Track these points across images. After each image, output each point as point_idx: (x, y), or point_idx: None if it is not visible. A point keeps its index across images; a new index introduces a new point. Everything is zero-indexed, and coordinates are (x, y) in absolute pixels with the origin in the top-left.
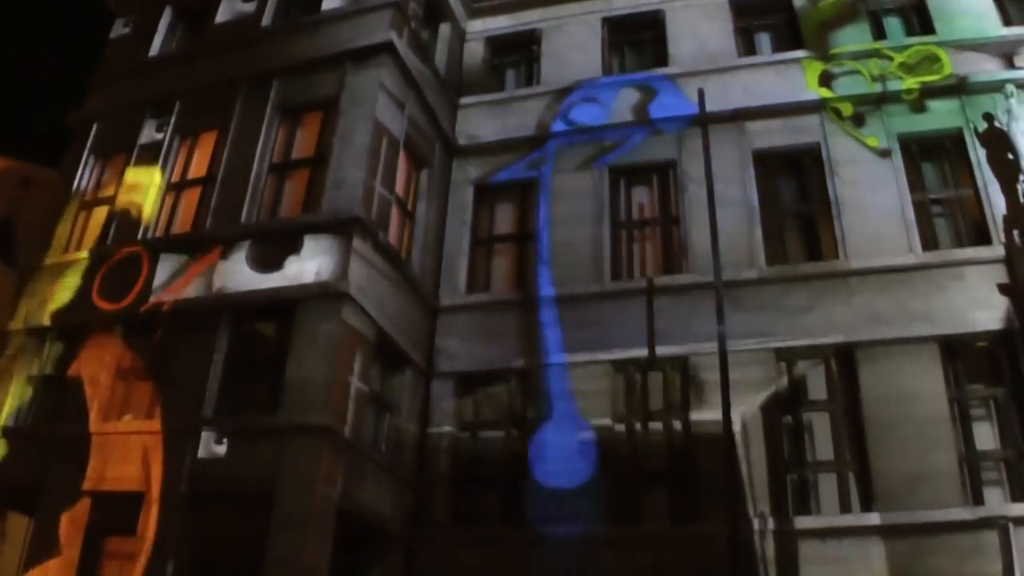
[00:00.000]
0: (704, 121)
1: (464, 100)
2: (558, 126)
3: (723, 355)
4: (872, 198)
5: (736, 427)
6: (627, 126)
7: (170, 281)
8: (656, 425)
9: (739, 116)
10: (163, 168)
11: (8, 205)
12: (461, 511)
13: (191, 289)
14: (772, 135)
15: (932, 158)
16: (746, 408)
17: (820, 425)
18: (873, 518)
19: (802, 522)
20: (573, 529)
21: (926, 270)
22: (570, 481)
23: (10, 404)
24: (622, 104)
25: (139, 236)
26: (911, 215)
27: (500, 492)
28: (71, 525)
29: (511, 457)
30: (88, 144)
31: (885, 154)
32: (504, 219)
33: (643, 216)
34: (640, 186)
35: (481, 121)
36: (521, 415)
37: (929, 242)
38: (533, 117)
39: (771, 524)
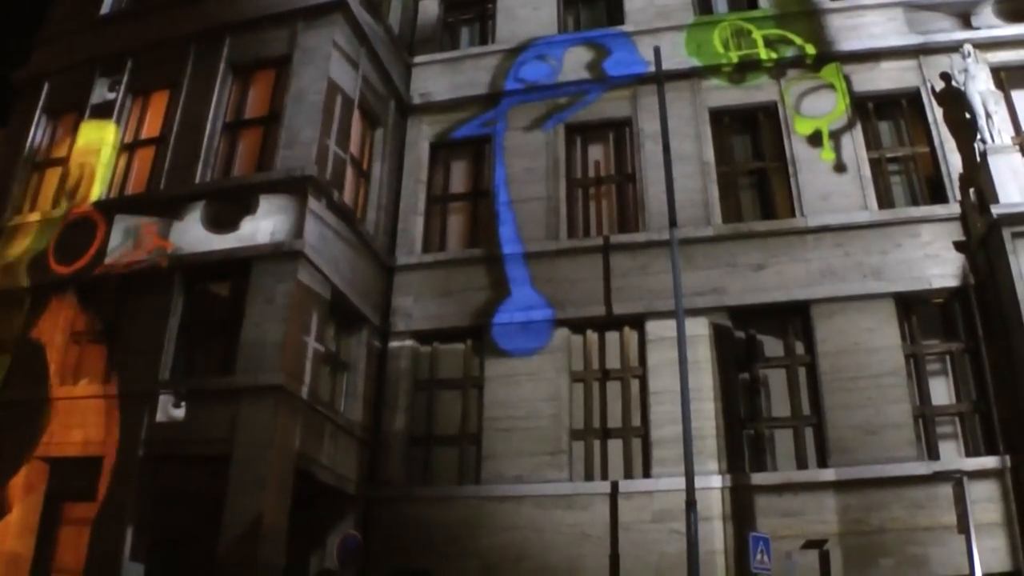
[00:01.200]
0: (659, 78)
1: (418, 59)
2: (512, 84)
3: (679, 312)
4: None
5: (692, 384)
6: (581, 83)
7: (124, 242)
8: (613, 383)
9: (694, 74)
10: (116, 128)
11: None
12: (417, 469)
13: (144, 250)
14: (727, 93)
15: (888, 117)
16: (702, 365)
17: (776, 381)
18: (828, 473)
19: (758, 478)
20: (529, 486)
21: (882, 227)
22: (526, 438)
23: None
24: (576, 62)
25: (93, 197)
26: (867, 172)
27: (456, 450)
28: (29, 491)
29: (467, 415)
30: (38, 103)
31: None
32: (459, 177)
33: (599, 174)
34: (596, 144)
35: (435, 79)
36: (477, 373)
37: (885, 200)
38: (487, 75)
39: (728, 480)
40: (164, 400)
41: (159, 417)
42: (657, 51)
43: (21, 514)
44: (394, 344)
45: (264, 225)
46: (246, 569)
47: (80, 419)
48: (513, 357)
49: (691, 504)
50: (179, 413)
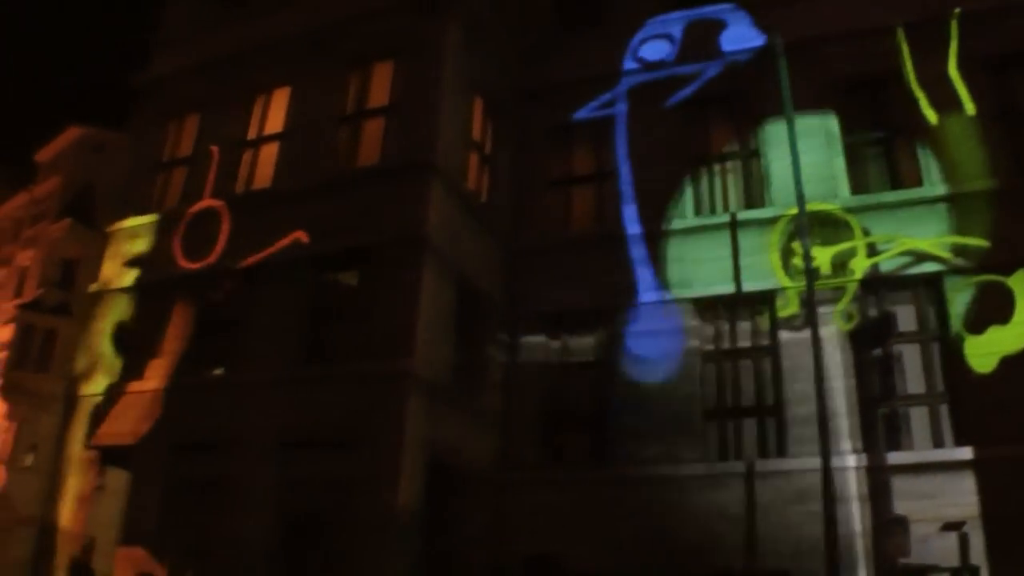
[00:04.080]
0: (778, 50)
1: (535, 42)
2: (630, 64)
3: (811, 289)
4: None
5: (826, 361)
6: (699, 60)
7: (249, 236)
8: (745, 362)
9: (814, 42)
10: (238, 125)
11: (85, 172)
12: (549, 452)
13: (271, 243)
14: (849, 60)
15: None
16: (835, 342)
17: (910, 357)
18: (965, 452)
19: (894, 457)
20: (662, 467)
21: (1015, 193)
22: (658, 419)
23: (102, 363)
24: (693, 38)
25: (219, 193)
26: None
27: (588, 432)
28: (165, 476)
29: (597, 397)
30: (159, 106)
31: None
32: (581, 159)
33: (722, 150)
34: (717, 120)
35: (552, 61)
36: (606, 354)
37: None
38: (605, 56)
39: (863, 460)
40: (296, 387)
41: (291, 404)
42: (773, 23)
43: (157, 497)
44: (522, 327)
45: (389, 214)
46: (379, 555)
47: (208, 407)
48: (644, 338)
49: (828, 484)
50: (308, 400)
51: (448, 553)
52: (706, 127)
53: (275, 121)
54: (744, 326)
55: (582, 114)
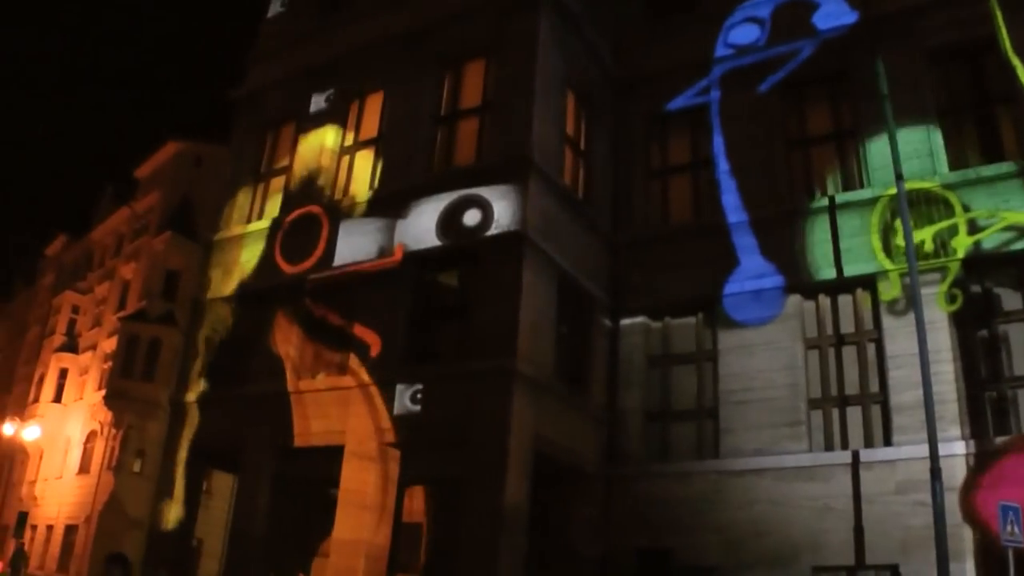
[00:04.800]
0: (871, 24)
1: (625, 33)
2: (722, 50)
3: (912, 270)
4: None
5: (931, 345)
6: (792, 41)
7: (352, 241)
8: (849, 348)
9: (907, 14)
10: (335, 132)
11: (184, 185)
12: (655, 446)
13: (373, 247)
14: (944, 30)
15: None
16: (939, 325)
17: (1017, 338)
18: None
19: (1003, 443)
20: (767, 458)
21: None
22: (763, 409)
23: (207, 371)
24: (784, 19)
25: (318, 200)
26: None
27: (693, 424)
28: (274, 479)
29: (702, 389)
30: (257, 118)
31: None
32: (677, 149)
33: (818, 132)
34: (812, 101)
35: (645, 52)
36: (710, 346)
37: None
38: (696, 43)
39: (971, 446)
40: (401, 389)
41: (396, 406)
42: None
43: (267, 500)
44: (625, 321)
45: (487, 213)
46: (488, 552)
47: (319, 410)
48: (746, 327)
49: (936, 473)
50: (415, 400)
51: (558, 548)
52: (801, 109)
53: (370, 126)
54: (847, 312)
55: (676, 103)
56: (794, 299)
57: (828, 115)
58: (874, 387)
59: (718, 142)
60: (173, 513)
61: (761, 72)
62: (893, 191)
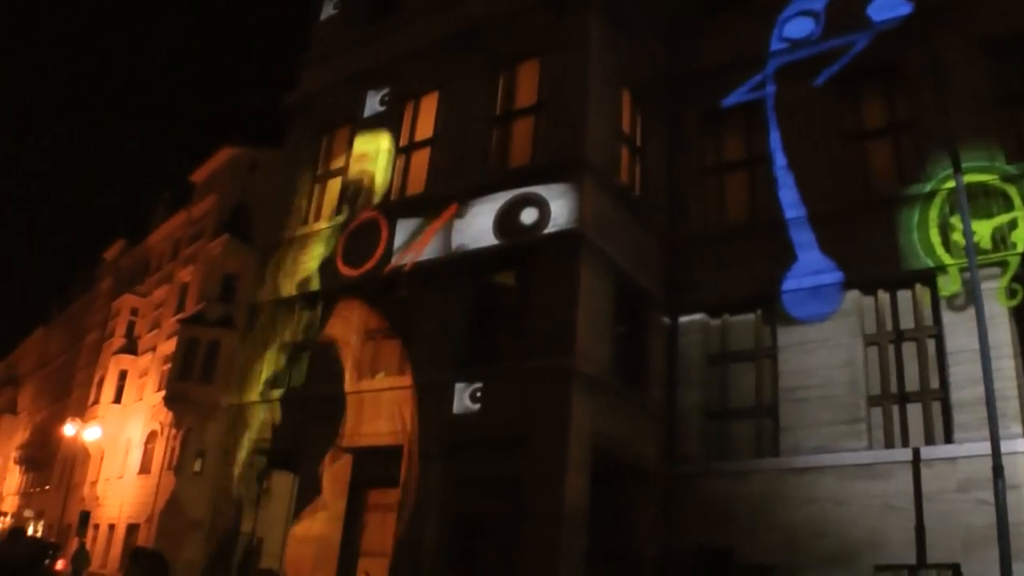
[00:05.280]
0: (926, 15)
1: (678, 29)
2: (776, 44)
3: (972, 265)
4: None
5: (991, 340)
6: (846, 34)
7: (409, 242)
8: (908, 344)
9: (961, 3)
10: (389, 134)
11: (240, 189)
12: (714, 444)
13: (430, 248)
14: (999, 19)
15: None
16: (999, 320)
17: None
18: None
19: None
20: (826, 456)
21: None
22: (822, 406)
23: (266, 372)
24: (838, 12)
25: (374, 202)
26: None
27: (752, 423)
28: (333, 480)
29: (761, 387)
30: (312, 121)
31: None
32: (732, 145)
33: (875, 125)
34: (867, 94)
35: (698, 48)
36: (769, 343)
37: None
38: (750, 38)
39: None
40: (459, 389)
41: (455, 406)
42: None
43: (327, 500)
44: (683, 319)
45: (544, 212)
46: (548, 551)
47: (378, 411)
48: (805, 324)
49: (998, 471)
50: (473, 400)
51: (618, 547)
52: (857, 102)
53: (425, 127)
54: (906, 307)
55: (731, 99)
56: (853, 295)
57: (884, 108)
58: (934, 383)
59: (774, 137)
60: (233, 513)
61: (816, 66)
62: (951, 185)
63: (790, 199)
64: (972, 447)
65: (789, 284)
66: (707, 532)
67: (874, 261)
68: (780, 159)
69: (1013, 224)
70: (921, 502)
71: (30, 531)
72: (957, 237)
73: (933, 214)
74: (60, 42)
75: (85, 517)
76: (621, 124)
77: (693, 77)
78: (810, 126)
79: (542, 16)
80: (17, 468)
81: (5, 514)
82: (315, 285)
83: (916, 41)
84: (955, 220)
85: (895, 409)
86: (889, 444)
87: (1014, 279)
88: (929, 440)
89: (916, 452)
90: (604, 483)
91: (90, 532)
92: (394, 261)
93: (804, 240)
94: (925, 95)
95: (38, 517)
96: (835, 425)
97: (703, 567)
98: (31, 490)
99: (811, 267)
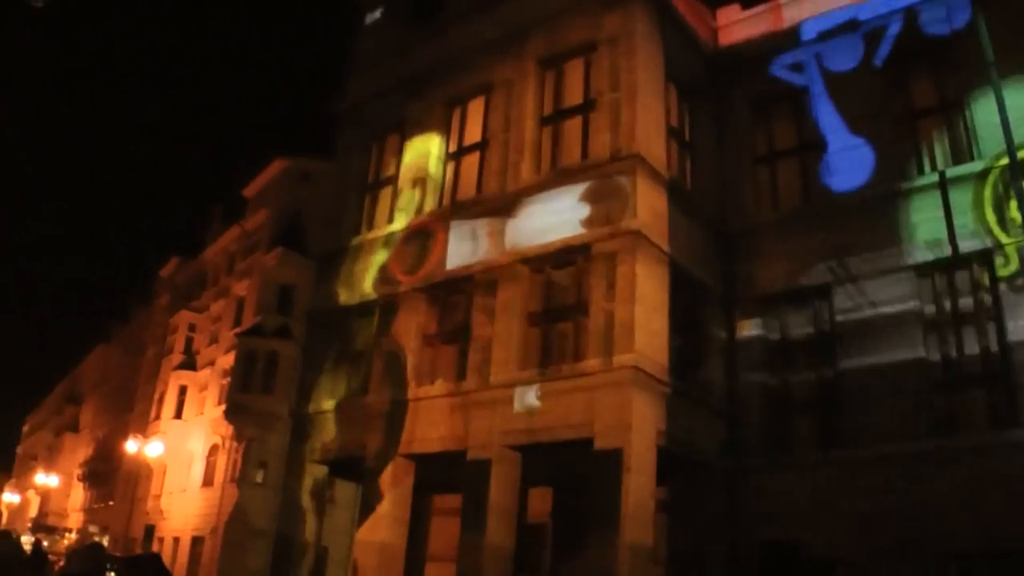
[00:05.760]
0: None
1: (723, 18)
2: (822, 25)
3: None
4: None
5: None
6: (891, 12)
7: (464, 245)
8: (967, 328)
9: None
10: (439, 139)
11: (292, 200)
12: (777, 436)
13: (485, 250)
14: None
15: None
16: None
17: None
18: None
19: None
20: (890, 446)
21: None
22: (883, 394)
23: (325, 381)
24: None
25: (427, 207)
26: None
27: (813, 412)
28: (396, 485)
29: (820, 375)
30: (361, 130)
31: None
32: (782, 132)
33: (923, 104)
34: (915, 73)
35: (742, 35)
36: (829, 332)
37: None
38: (794, 20)
39: None
40: (519, 392)
41: (517, 408)
42: None
43: (392, 507)
44: (741, 310)
45: (597, 210)
46: (614, 551)
47: (439, 416)
48: (863, 311)
49: None
50: (536, 403)
51: (683, 545)
52: (906, 82)
53: (474, 130)
54: (964, 289)
55: (778, 85)
56: (910, 278)
57: (933, 86)
58: (997, 366)
59: (824, 123)
60: (298, 522)
61: (863, 46)
62: (1005, 161)
63: (842, 183)
64: None
65: (846, 271)
66: (772, 526)
67: (929, 243)
68: (832, 142)
69: None
70: (986, 488)
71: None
72: (1013, 215)
73: (987, 192)
74: (101, 74)
75: (150, 531)
76: (670, 118)
77: (740, 65)
78: (859, 108)
79: (587, 15)
80: (80, 485)
81: (70, 530)
82: (371, 293)
83: (965, 16)
84: (1011, 197)
85: (958, 394)
86: (954, 430)
87: None
88: (995, 425)
89: (981, 438)
90: (668, 480)
91: (155, 545)
92: (449, 266)
93: (858, 224)
94: (974, 71)
95: (103, 532)
96: (898, 412)
97: (770, 563)
98: (95, 506)
99: (867, 252)
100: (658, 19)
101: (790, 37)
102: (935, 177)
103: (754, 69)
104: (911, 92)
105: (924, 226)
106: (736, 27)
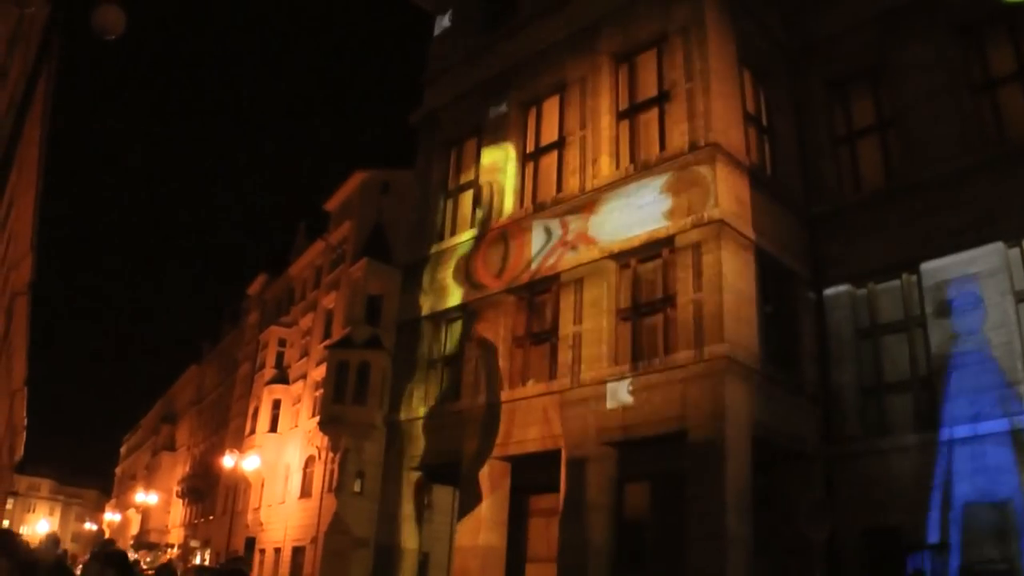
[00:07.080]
0: None
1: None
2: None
3: None
4: None
5: None
6: None
7: (547, 245)
8: None
9: None
10: (516, 141)
11: (375, 211)
12: (873, 420)
13: (569, 249)
14: None
15: None
16: None
17: None
18: None
19: None
20: (989, 424)
21: None
22: (979, 372)
23: (418, 388)
24: None
25: (508, 210)
26: None
27: (909, 395)
28: (494, 488)
29: (914, 356)
30: (437, 137)
31: None
32: (860, 110)
33: (1002, 72)
34: (992, 40)
35: (815, 16)
36: (918, 311)
37: None
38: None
39: None
40: (611, 388)
41: (610, 404)
42: None
43: (490, 510)
44: (829, 292)
45: (679, 201)
46: (715, 544)
47: (532, 417)
48: (953, 286)
49: None
50: (629, 398)
51: (784, 534)
52: (983, 50)
53: (550, 130)
54: None
55: (854, 63)
56: (998, 249)
57: (1011, 53)
58: None
59: (900, 98)
60: (396, 529)
61: (937, 17)
62: None
63: (924, 158)
64: None
65: (936, 250)
66: (872, 512)
67: (1017, 212)
68: (911, 117)
69: None
70: None
71: (197, 560)
72: None
73: None
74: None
75: (251, 543)
76: (747, 105)
77: (813, 47)
78: (937, 81)
79: (657, 4)
80: (180, 501)
81: (172, 546)
82: (458, 298)
83: None
84: None
85: None
86: None
87: None
88: None
89: None
90: (765, 470)
91: (256, 556)
92: (534, 266)
93: (943, 199)
94: None
95: (204, 546)
96: (994, 390)
97: (873, 549)
98: (195, 520)
99: (956, 230)
100: (728, 5)
101: (864, 14)
102: (1018, 145)
103: (828, 49)
104: (989, 60)
105: (1011, 195)
106: (809, 10)
